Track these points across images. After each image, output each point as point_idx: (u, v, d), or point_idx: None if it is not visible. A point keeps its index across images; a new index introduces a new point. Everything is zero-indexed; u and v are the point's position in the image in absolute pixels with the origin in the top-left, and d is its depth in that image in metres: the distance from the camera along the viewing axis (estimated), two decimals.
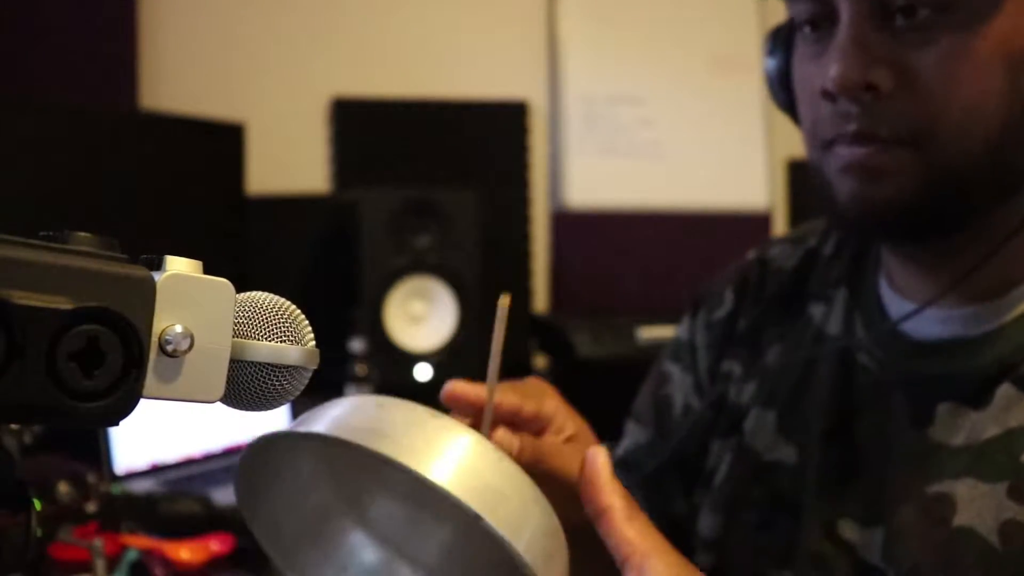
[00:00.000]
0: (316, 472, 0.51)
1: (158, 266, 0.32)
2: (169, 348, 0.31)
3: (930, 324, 0.64)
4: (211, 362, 0.32)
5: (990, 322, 0.61)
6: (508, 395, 0.57)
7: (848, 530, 0.64)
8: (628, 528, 0.45)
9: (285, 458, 0.49)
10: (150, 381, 0.31)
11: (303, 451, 0.50)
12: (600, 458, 0.47)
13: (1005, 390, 0.59)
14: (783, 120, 0.71)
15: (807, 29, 0.62)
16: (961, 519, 0.57)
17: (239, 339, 0.33)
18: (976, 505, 0.57)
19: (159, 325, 0.31)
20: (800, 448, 0.69)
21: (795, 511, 0.67)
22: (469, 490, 0.40)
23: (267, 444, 0.44)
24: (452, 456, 0.40)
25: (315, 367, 0.36)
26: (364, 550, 0.53)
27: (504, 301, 0.49)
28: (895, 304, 0.67)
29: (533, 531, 0.42)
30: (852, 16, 0.57)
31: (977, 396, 0.60)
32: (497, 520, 0.40)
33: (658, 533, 0.46)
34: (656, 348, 0.88)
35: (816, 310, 0.74)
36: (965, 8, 0.56)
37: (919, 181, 0.58)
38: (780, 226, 2.48)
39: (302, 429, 0.43)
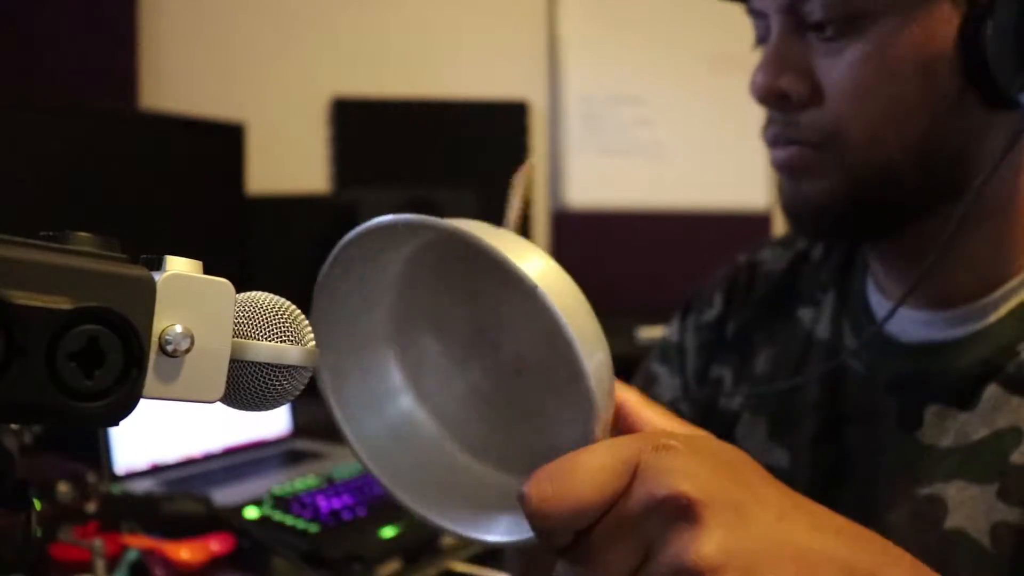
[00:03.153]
0: (388, 286, 0.50)
1: (158, 266, 0.32)
2: (169, 348, 0.31)
3: (916, 326, 0.64)
4: (211, 362, 0.32)
5: (975, 323, 0.61)
6: None
7: None
8: (648, 411, 0.46)
9: (369, 264, 0.48)
10: (150, 381, 0.31)
11: (391, 254, 0.49)
12: None
13: (992, 391, 0.59)
14: None
15: (763, 46, 0.65)
16: (952, 521, 0.57)
17: (239, 339, 0.33)
18: (967, 507, 0.57)
19: (159, 325, 0.31)
20: (792, 452, 0.69)
21: None
22: (553, 293, 0.40)
23: (363, 238, 0.45)
24: (536, 262, 0.41)
25: (315, 367, 0.36)
26: (402, 396, 0.52)
27: (527, 168, 0.52)
28: (882, 307, 0.67)
29: (601, 359, 0.41)
30: (777, 31, 0.61)
31: (964, 397, 0.60)
32: (578, 333, 0.39)
33: (676, 416, 0.46)
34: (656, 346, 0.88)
35: (805, 314, 0.74)
36: (872, 21, 0.57)
37: (838, 183, 0.60)
38: (780, 226, 2.48)
39: (409, 218, 0.43)
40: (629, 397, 0.46)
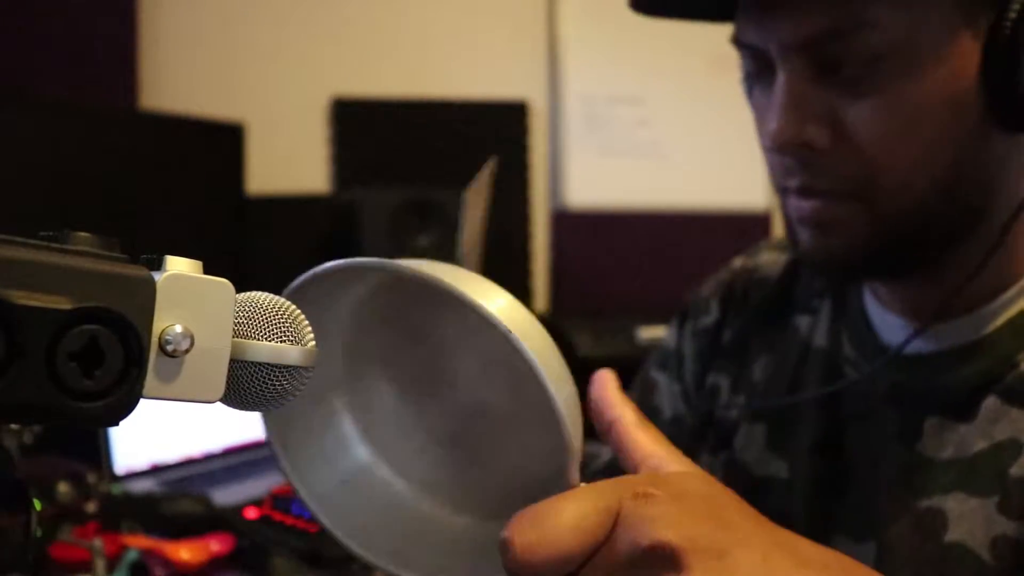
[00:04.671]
0: (336, 333, 0.48)
1: (158, 266, 0.32)
2: (169, 348, 0.31)
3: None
4: (211, 362, 0.32)
5: (972, 334, 0.61)
6: None
7: (841, 545, 0.63)
8: (640, 434, 0.44)
9: (316, 310, 0.45)
10: (150, 381, 0.31)
11: (340, 299, 0.47)
12: (608, 377, 0.47)
13: (991, 402, 0.58)
14: None
15: (755, 80, 0.61)
16: (953, 535, 0.57)
17: (239, 339, 0.33)
18: (967, 520, 0.56)
19: (159, 325, 0.31)
20: (791, 463, 0.69)
21: (787, 526, 0.67)
22: (521, 334, 0.38)
23: (312, 282, 0.43)
24: (499, 301, 0.40)
25: (315, 367, 0.36)
26: (354, 446, 0.50)
27: (491, 164, 0.49)
28: (879, 316, 0.67)
29: (569, 394, 0.40)
30: (787, 73, 0.57)
31: (963, 409, 0.59)
32: (546, 370, 0.38)
33: (669, 442, 0.44)
34: (656, 348, 0.88)
35: (802, 322, 0.73)
36: (897, 60, 0.54)
37: (869, 231, 0.58)
38: (780, 226, 2.47)
39: (362, 261, 0.41)
40: (626, 416, 0.45)
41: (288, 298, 0.43)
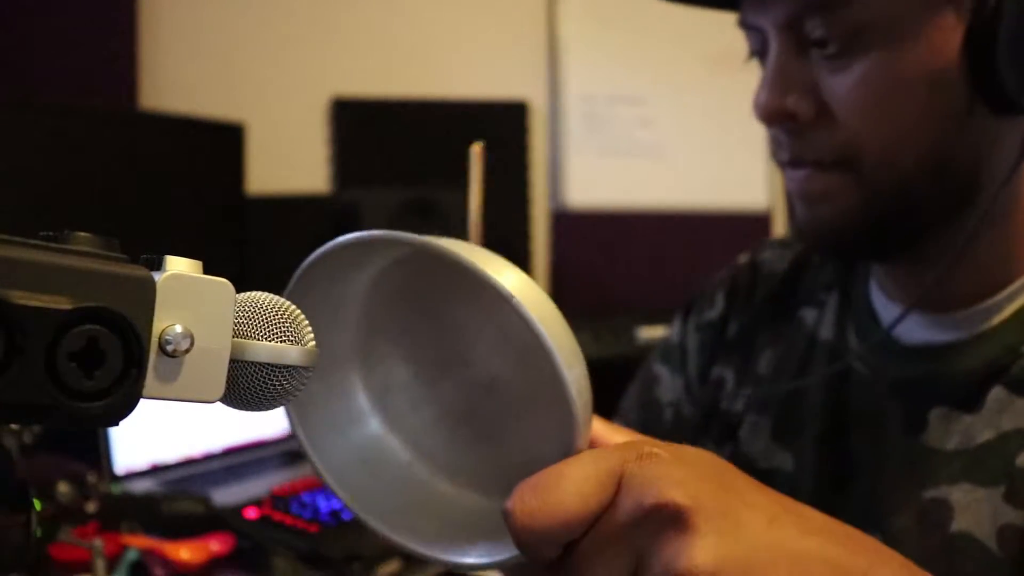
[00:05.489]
0: (351, 307, 0.49)
1: (158, 266, 0.32)
2: (169, 348, 0.31)
3: (920, 329, 0.64)
4: (211, 362, 0.32)
5: (979, 325, 0.61)
6: None
7: None
8: (615, 432, 0.45)
9: (332, 284, 0.47)
10: (150, 381, 0.31)
11: (358, 272, 0.48)
12: None
13: (997, 393, 0.58)
14: None
15: (758, 59, 0.63)
16: (958, 525, 0.57)
17: (239, 339, 0.33)
18: (973, 510, 0.57)
19: (159, 325, 0.31)
20: (795, 455, 0.69)
21: None
22: (530, 304, 0.39)
23: (331, 255, 0.43)
24: (511, 276, 0.40)
25: (315, 367, 0.36)
26: (366, 417, 0.51)
27: (476, 148, 0.50)
28: (886, 309, 0.67)
29: (580, 373, 0.40)
30: (777, 48, 0.59)
31: (969, 400, 0.60)
32: (556, 344, 0.38)
33: (640, 436, 0.44)
34: (656, 347, 0.88)
35: (808, 314, 0.74)
36: (877, 36, 0.55)
37: (857, 202, 0.59)
38: (780, 226, 2.48)
39: (380, 233, 0.42)
40: (594, 426, 0.45)
41: (307, 269, 0.44)
